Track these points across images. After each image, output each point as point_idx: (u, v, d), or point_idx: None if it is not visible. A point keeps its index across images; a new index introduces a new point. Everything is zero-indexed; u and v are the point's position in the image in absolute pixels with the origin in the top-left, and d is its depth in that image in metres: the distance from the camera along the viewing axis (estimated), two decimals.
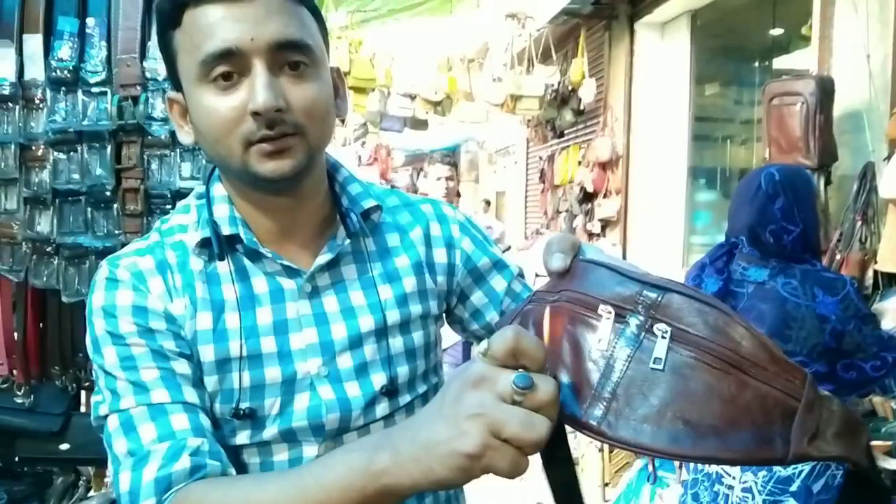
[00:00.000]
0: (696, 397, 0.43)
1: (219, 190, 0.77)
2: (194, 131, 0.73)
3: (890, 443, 1.69)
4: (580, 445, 3.32)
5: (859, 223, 2.50)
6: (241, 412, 0.72)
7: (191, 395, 0.70)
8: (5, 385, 1.36)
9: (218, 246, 0.73)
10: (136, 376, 0.69)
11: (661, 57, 4.52)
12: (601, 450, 3.27)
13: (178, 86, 0.74)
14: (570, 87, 4.86)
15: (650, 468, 2.45)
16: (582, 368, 0.47)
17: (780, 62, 3.77)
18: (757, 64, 4.06)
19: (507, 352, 0.45)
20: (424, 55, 5.22)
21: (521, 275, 0.88)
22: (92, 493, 1.55)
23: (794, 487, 1.42)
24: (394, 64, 5.00)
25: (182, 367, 0.70)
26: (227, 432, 0.72)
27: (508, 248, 6.41)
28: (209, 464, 0.65)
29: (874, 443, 1.47)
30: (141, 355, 0.69)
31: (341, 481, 0.52)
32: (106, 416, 0.69)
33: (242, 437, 0.72)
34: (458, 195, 11.16)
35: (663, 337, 0.45)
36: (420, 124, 5.39)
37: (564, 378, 0.48)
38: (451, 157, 12.14)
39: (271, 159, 0.68)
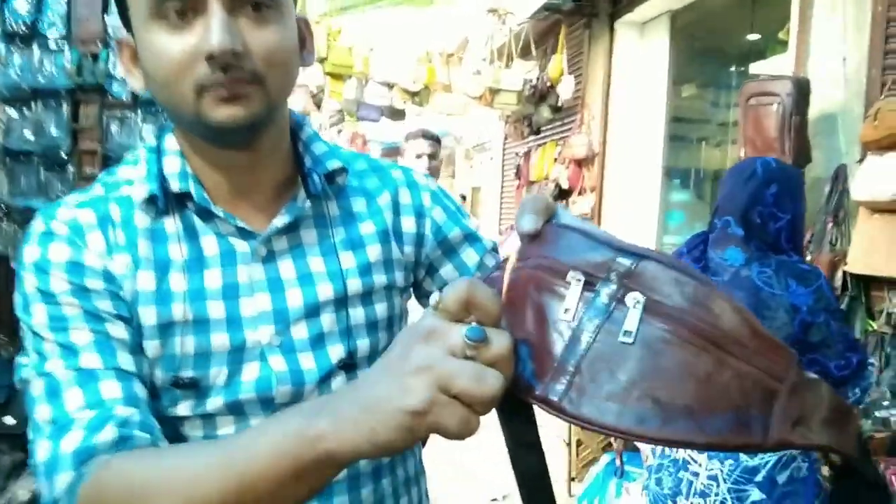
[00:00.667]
0: (668, 375, 0.39)
1: (171, 143, 0.71)
2: (144, 76, 0.67)
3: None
4: (545, 438, 3.31)
5: (830, 225, 2.53)
6: (182, 381, 0.67)
7: (125, 360, 0.64)
8: None
9: (165, 202, 0.68)
10: (66, 338, 0.63)
11: (639, 56, 4.54)
12: (568, 444, 3.26)
13: (128, 26, 0.68)
14: (548, 84, 4.85)
15: (617, 462, 2.45)
16: (545, 339, 0.43)
17: (756, 67, 3.81)
18: (734, 67, 4.11)
19: (460, 303, 0.42)
20: (404, 45, 5.16)
21: (494, 249, 0.83)
22: None
23: (759, 478, 1.42)
24: (372, 53, 4.94)
25: (118, 330, 0.65)
26: (167, 402, 0.67)
27: None
28: (137, 435, 0.60)
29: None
30: (73, 316, 0.64)
31: (273, 448, 0.46)
32: (27, 381, 0.64)
33: (184, 408, 0.68)
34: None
35: (635, 307, 0.41)
36: (397, 114, 5.33)
37: (525, 349, 0.44)
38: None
39: (225, 106, 0.63)
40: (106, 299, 0.65)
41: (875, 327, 2.33)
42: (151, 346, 0.67)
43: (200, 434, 0.69)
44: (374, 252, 0.76)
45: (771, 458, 1.42)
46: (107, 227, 0.68)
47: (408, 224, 0.79)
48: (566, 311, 0.43)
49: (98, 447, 0.58)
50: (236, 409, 0.69)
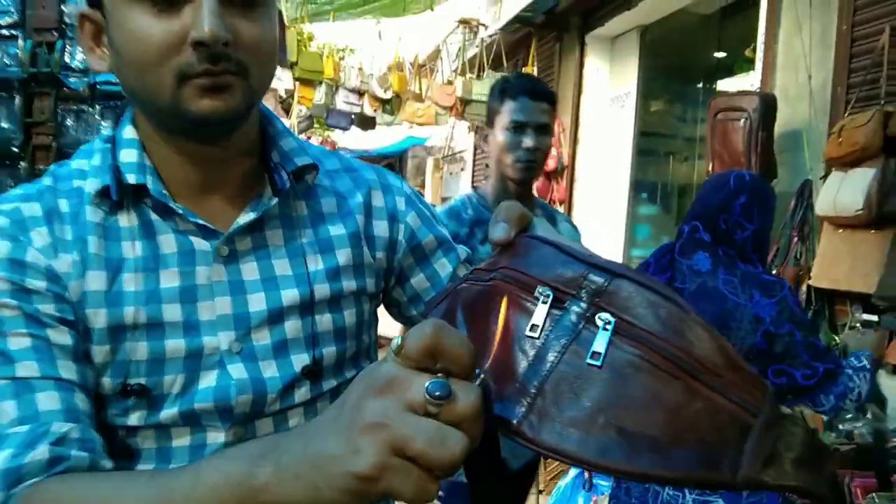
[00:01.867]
0: (635, 403, 0.36)
1: (129, 132, 0.67)
2: (113, 56, 0.63)
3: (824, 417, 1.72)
4: None
5: (795, 239, 2.57)
6: (131, 388, 0.62)
7: (67, 369, 0.59)
8: None
9: (120, 195, 0.63)
10: (3, 344, 0.58)
11: (609, 70, 4.59)
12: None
13: (93, 0, 0.63)
14: None
15: (585, 475, 2.42)
16: (509, 357, 0.40)
17: (724, 84, 3.89)
18: (701, 84, 4.18)
19: (424, 350, 0.36)
20: (375, 52, 5.14)
21: (468, 260, 0.80)
22: None
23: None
24: (343, 59, 4.91)
25: (60, 336, 0.60)
26: (117, 411, 0.62)
27: None
28: (74, 455, 0.55)
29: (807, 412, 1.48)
30: (10, 318, 0.58)
31: (212, 493, 0.42)
32: None
33: (136, 418, 0.63)
34: None
35: (605, 328, 0.38)
36: (368, 122, 5.30)
37: (486, 365, 0.40)
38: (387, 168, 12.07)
39: (208, 96, 0.59)
40: (49, 301, 0.60)
41: (838, 341, 2.37)
42: (100, 352, 0.61)
43: (153, 446, 0.64)
44: (343, 256, 0.72)
45: None
46: (53, 222, 0.63)
47: (380, 228, 0.75)
48: (532, 327, 0.40)
49: (29, 468, 0.53)
50: (192, 420, 0.64)
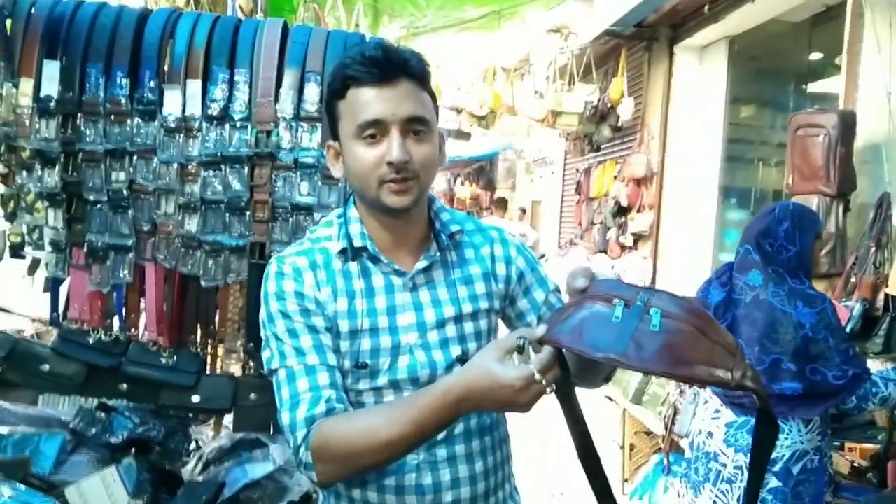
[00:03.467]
0: (678, 343, 0.73)
1: (353, 212, 1.08)
2: (345, 169, 1.05)
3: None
4: (602, 443, 3.57)
5: (874, 249, 2.69)
6: (360, 365, 1.03)
7: (331, 358, 1.02)
8: (154, 348, 1.71)
9: (351, 253, 1.05)
10: (298, 343, 1.01)
11: (698, 79, 4.71)
12: (622, 447, 3.52)
13: (335, 136, 1.06)
14: (608, 105, 5.09)
15: (665, 462, 2.70)
16: (604, 330, 0.78)
17: (814, 87, 3.94)
18: (791, 90, 4.23)
19: (549, 367, 0.81)
20: (471, 69, 5.49)
21: (556, 290, 1.17)
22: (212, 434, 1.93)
23: (776, 468, 1.70)
24: (441, 77, 5.27)
25: (326, 338, 1.02)
26: (352, 381, 1.04)
27: (543, 256, 6.62)
28: (337, 407, 0.98)
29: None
30: (301, 328, 1.01)
31: (440, 401, 0.87)
32: (276, 370, 1.01)
33: (363, 384, 1.03)
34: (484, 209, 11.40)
35: (656, 314, 0.76)
36: (463, 135, 5.68)
37: (593, 329, 0.79)
38: (478, 171, 12.37)
39: (397, 194, 0.99)
40: (319, 317, 1.02)
41: None
42: (344, 345, 1.03)
43: (373, 401, 1.04)
44: (479, 287, 1.11)
45: (786, 452, 1.69)
46: (315, 269, 1.05)
47: (501, 269, 1.14)
48: (616, 317, 0.78)
49: (317, 415, 0.96)
50: (395, 385, 1.04)
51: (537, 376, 0.80)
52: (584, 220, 5.95)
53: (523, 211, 9.80)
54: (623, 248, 5.17)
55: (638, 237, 5.04)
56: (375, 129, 0.97)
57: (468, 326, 1.08)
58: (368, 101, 0.98)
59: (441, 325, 1.06)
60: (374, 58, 0.98)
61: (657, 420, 3.07)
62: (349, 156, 1.01)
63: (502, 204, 8.91)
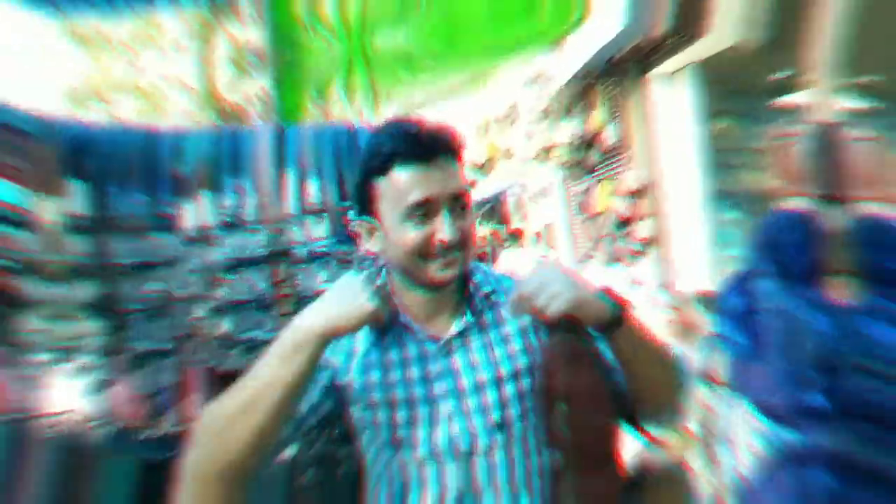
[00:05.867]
0: None
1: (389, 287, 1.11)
2: (384, 244, 1.06)
3: None
4: None
5: None
6: (398, 438, 1.02)
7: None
8: None
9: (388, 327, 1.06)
10: None
11: (673, 100, 4.88)
12: None
13: (371, 215, 1.06)
14: (592, 133, 5.33)
15: None
16: None
17: (783, 100, 4.07)
18: (764, 103, 4.37)
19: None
20: (466, 125, 5.73)
21: None
22: None
23: None
24: None
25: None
26: (390, 454, 1.02)
27: None
28: None
29: None
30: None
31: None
32: None
33: (403, 457, 1.00)
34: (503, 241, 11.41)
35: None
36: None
37: None
38: (490, 210, 12.49)
39: (445, 270, 1.03)
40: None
41: None
42: (379, 417, 1.07)
43: (415, 475, 1.02)
44: (515, 345, 1.10)
45: None
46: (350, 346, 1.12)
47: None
48: None
49: None
50: (434, 457, 1.03)
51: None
52: (592, 235, 6.17)
53: (539, 235, 9.95)
54: (634, 253, 5.35)
55: (645, 243, 5.20)
56: (425, 209, 0.98)
57: (507, 389, 1.04)
58: (417, 181, 0.97)
59: (476, 390, 1.02)
60: (416, 136, 0.97)
61: None
62: (394, 234, 1.01)
63: (519, 234, 9.11)
